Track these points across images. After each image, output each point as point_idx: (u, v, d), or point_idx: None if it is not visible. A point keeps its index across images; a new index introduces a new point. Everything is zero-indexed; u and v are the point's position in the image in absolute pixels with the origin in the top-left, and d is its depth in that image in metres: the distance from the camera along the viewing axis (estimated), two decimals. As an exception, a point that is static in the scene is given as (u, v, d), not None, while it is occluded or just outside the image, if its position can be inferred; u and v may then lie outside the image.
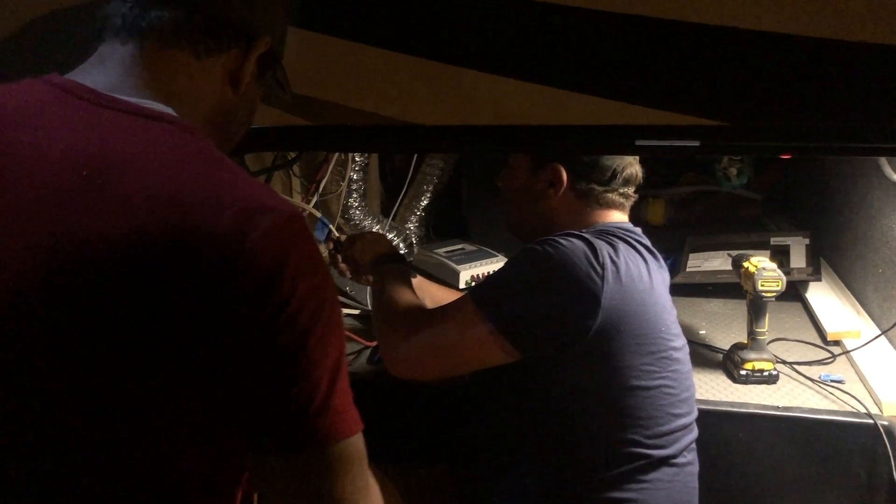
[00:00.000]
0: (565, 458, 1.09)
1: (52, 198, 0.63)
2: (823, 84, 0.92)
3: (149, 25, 0.72)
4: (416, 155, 2.16)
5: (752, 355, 1.41)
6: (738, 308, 1.55)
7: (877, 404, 1.32)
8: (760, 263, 1.41)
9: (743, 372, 1.41)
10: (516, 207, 1.27)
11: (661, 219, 2.21)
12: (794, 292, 1.81)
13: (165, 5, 0.72)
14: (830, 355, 1.51)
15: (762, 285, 1.38)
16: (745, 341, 1.44)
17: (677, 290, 1.81)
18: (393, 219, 2.20)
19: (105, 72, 0.71)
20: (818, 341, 1.59)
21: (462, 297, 1.11)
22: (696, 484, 1.16)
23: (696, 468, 1.17)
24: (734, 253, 1.60)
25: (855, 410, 1.31)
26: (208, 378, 0.63)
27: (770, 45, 0.91)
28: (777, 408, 1.33)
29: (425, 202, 2.20)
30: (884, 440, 1.25)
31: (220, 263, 0.60)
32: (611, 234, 1.11)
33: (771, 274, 1.38)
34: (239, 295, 0.61)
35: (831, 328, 1.59)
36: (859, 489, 1.31)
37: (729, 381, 1.43)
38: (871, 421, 1.28)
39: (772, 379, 1.41)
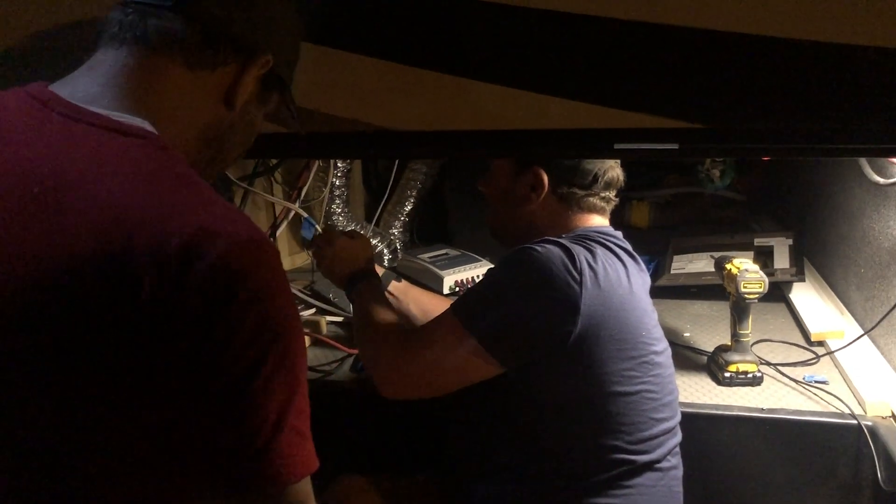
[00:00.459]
0: (547, 465, 1.08)
1: (1, 216, 0.61)
2: (801, 85, 0.92)
3: (144, 33, 0.71)
4: (397, 161, 2.15)
5: (735, 357, 1.41)
6: (723, 310, 1.55)
7: (860, 405, 1.32)
8: (743, 265, 1.41)
9: (727, 374, 1.41)
10: (498, 212, 1.26)
11: (645, 221, 2.22)
12: (778, 293, 1.81)
13: (164, 15, 0.71)
14: (814, 356, 1.51)
15: (745, 287, 1.38)
16: (729, 343, 1.44)
17: (662, 292, 1.82)
18: (377, 224, 2.19)
19: (90, 80, 0.70)
20: (802, 342, 1.59)
21: (444, 312, 1.11)
22: (680, 488, 1.16)
23: (680, 472, 1.17)
24: (717, 255, 1.61)
25: (839, 411, 1.31)
26: (148, 411, 0.60)
27: (748, 48, 0.91)
28: (761, 410, 1.33)
29: (409, 207, 2.19)
30: (868, 440, 1.26)
31: (160, 294, 0.57)
32: (589, 239, 1.11)
33: (753, 276, 1.38)
34: (178, 329, 0.58)
35: (815, 329, 1.59)
36: (843, 490, 1.31)
37: (713, 384, 1.43)
38: (854, 422, 1.28)
39: (756, 381, 1.41)
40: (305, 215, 1.66)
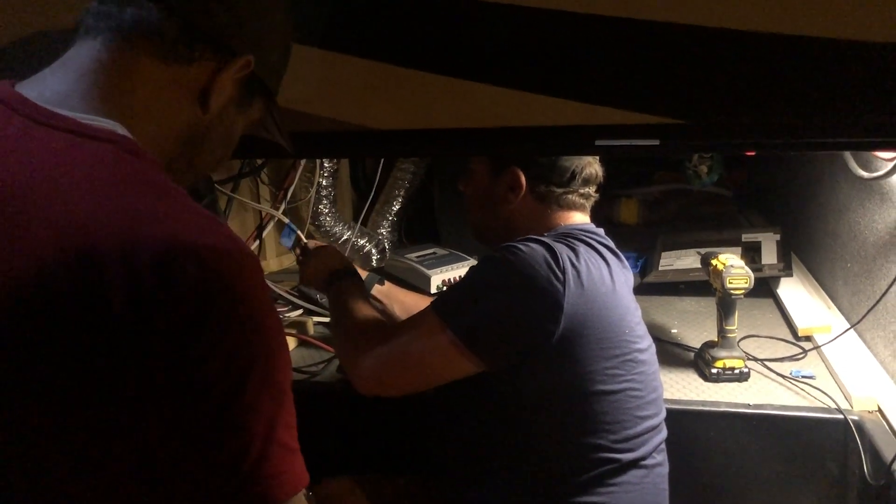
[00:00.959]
0: (532, 465, 1.08)
1: None
2: (783, 80, 0.92)
3: (120, 24, 0.68)
4: (382, 160, 2.14)
5: (722, 353, 1.41)
6: (711, 306, 1.54)
7: (847, 399, 1.32)
8: (728, 261, 1.41)
9: (714, 370, 1.41)
10: (478, 212, 1.25)
11: (634, 218, 2.21)
12: (765, 288, 1.82)
13: (143, 4, 0.68)
14: (801, 351, 1.51)
15: (730, 283, 1.38)
16: (716, 339, 1.44)
17: (650, 289, 1.83)
18: (364, 224, 2.18)
19: (60, 79, 0.67)
20: (790, 337, 1.59)
21: (424, 308, 1.10)
22: (666, 485, 1.16)
23: (665, 469, 1.16)
24: (704, 251, 1.60)
25: (826, 406, 1.31)
26: (129, 431, 0.57)
27: (729, 43, 0.91)
28: (748, 405, 1.33)
29: (397, 207, 2.18)
30: (854, 435, 1.26)
31: (133, 311, 0.54)
32: (571, 237, 1.10)
33: (739, 271, 1.38)
34: (154, 348, 0.55)
35: (802, 323, 1.59)
36: (831, 485, 1.31)
37: (701, 380, 1.43)
38: (841, 416, 1.28)
39: (743, 376, 1.41)
40: (287, 220, 1.65)
